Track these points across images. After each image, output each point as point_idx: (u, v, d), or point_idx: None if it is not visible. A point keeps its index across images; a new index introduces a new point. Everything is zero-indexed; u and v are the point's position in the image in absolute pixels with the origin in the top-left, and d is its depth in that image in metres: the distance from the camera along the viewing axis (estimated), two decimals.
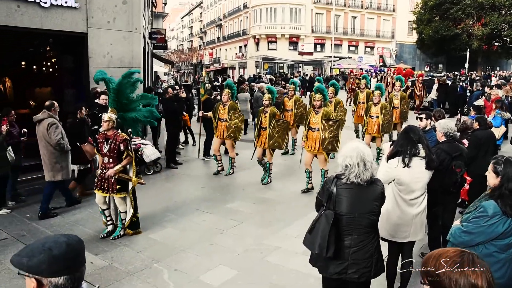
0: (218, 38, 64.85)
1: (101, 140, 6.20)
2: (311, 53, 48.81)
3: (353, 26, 51.24)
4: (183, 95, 12.51)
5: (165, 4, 40.29)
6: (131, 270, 5.29)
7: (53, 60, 14.86)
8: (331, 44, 47.10)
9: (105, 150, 6.14)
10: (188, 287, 4.92)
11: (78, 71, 10.90)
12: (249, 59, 52.35)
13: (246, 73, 46.83)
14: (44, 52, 14.52)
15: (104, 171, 6.19)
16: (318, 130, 8.25)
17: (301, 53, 48.55)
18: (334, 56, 45.91)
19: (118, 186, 6.16)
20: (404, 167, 4.20)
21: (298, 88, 16.16)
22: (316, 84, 9.86)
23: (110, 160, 6.17)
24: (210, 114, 9.93)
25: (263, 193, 8.31)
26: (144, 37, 15.26)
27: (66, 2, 9.03)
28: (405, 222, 4.33)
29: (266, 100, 9.01)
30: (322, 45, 50.02)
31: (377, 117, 10.30)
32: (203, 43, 73.25)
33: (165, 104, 10.71)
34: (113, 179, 6.12)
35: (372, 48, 52.29)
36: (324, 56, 48.35)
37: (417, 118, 6.33)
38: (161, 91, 16.23)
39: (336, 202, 3.38)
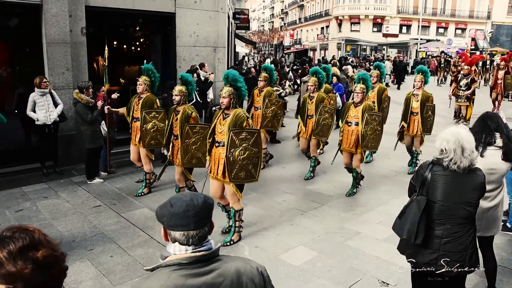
0: (300, 19, 64.19)
1: None
2: (396, 35, 46.85)
3: (443, 6, 48.31)
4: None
5: None
6: None
7: (141, 40, 15.51)
8: (418, 26, 44.67)
9: None
10: (268, 265, 4.92)
11: (165, 50, 11.29)
12: (330, 41, 51.36)
13: (327, 55, 46.05)
14: (134, 32, 15.19)
15: None
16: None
17: (385, 35, 46.78)
18: (421, 39, 43.67)
19: None
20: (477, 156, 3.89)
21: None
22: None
23: None
24: (123, 110, 7.39)
25: (344, 177, 8.14)
26: (228, 17, 15.44)
27: None
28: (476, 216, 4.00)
29: (177, 95, 6.31)
30: (408, 27, 47.80)
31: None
32: (284, 24, 72.85)
33: (248, 84, 10.78)
34: None
35: (463, 30, 49.05)
36: (410, 38, 46.12)
37: None
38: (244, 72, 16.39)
39: (430, 188, 3.21)
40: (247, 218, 6.14)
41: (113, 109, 7.56)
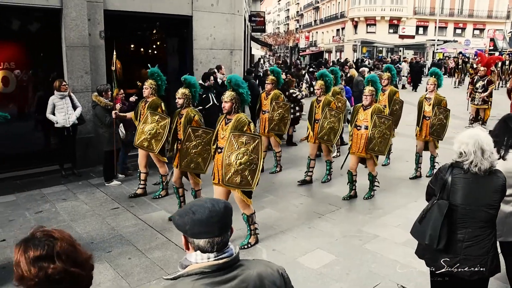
0: (315, 21, 64.08)
1: None
2: (412, 37, 46.49)
3: (461, 7, 47.77)
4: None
5: None
6: None
7: (158, 43, 15.63)
8: (435, 27, 44.30)
9: None
10: (286, 268, 4.90)
11: (182, 53, 11.35)
12: (346, 43, 51.17)
13: (343, 56, 45.87)
14: (151, 35, 15.32)
15: None
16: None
17: (401, 37, 46.44)
18: (438, 40, 43.24)
19: None
20: (498, 159, 3.79)
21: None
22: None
23: None
24: (131, 114, 7.42)
25: (361, 180, 8.07)
26: (244, 19, 15.47)
27: None
28: (497, 220, 3.91)
29: (180, 98, 6.17)
30: (425, 28, 47.40)
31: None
32: (300, 26, 72.80)
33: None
34: None
35: (481, 30, 48.40)
36: (427, 39, 45.76)
37: None
38: (261, 74, 16.41)
39: (450, 192, 3.16)
40: (263, 220, 6.14)
41: (121, 114, 7.56)
